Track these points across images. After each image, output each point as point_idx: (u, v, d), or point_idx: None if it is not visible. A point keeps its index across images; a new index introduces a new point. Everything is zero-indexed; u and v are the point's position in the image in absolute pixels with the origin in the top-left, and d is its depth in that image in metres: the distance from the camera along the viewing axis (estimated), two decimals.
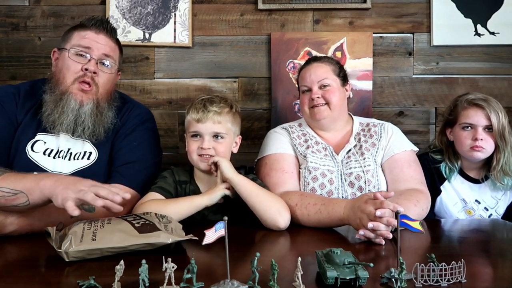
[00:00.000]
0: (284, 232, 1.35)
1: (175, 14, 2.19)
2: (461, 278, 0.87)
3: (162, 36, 2.19)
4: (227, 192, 1.41)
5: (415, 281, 0.86)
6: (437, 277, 0.86)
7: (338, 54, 2.19)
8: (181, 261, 0.85)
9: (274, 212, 1.35)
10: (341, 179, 1.58)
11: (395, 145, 1.64)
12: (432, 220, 1.69)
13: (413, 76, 2.24)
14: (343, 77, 1.71)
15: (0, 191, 1.19)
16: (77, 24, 1.58)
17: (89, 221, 1.12)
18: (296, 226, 1.39)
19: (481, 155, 1.70)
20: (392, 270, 0.85)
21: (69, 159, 1.46)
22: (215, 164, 1.43)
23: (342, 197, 1.55)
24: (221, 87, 2.24)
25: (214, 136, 1.45)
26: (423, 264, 0.86)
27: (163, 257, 0.83)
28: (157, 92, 2.24)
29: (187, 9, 2.19)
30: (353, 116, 1.78)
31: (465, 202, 1.76)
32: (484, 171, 1.77)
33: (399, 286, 0.84)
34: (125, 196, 1.12)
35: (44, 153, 1.45)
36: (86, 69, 1.44)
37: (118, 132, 1.55)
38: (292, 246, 1.30)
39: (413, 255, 1.13)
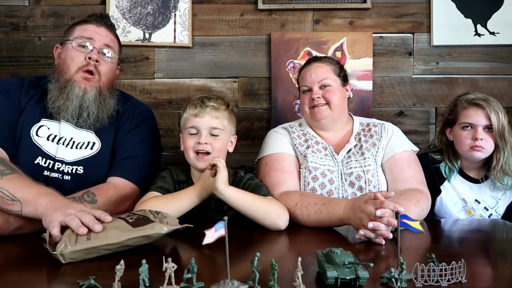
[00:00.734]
0: (284, 232, 1.35)
1: (175, 14, 2.19)
2: (461, 278, 0.87)
3: (162, 36, 2.19)
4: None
5: (415, 281, 0.86)
6: (437, 277, 0.86)
7: (338, 54, 2.19)
8: (181, 261, 0.85)
9: (274, 216, 1.35)
10: (341, 179, 1.58)
11: (396, 145, 1.64)
12: (432, 220, 1.69)
13: (413, 76, 2.24)
14: (344, 77, 1.71)
15: (0, 192, 1.21)
16: (78, 21, 1.64)
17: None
18: (296, 226, 1.39)
19: (481, 155, 1.70)
20: (392, 270, 0.85)
21: (71, 148, 1.50)
22: (213, 166, 1.38)
23: (342, 197, 1.55)
24: (221, 87, 2.24)
25: (212, 134, 1.45)
26: (423, 264, 0.86)
27: (163, 257, 0.83)
28: (157, 92, 2.24)
29: (187, 9, 2.19)
30: (353, 116, 1.78)
31: (465, 202, 1.76)
32: (484, 171, 1.77)
33: (399, 286, 0.84)
34: (105, 220, 1.12)
35: (47, 138, 1.49)
36: (90, 58, 1.51)
37: (121, 127, 1.59)
38: (292, 246, 1.30)
39: (413, 255, 1.13)
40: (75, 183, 1.48)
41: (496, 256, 1.16)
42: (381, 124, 1.73)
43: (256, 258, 0.83)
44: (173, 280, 0.83)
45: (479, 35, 2.19)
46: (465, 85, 2.22)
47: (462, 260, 0.87)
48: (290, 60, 2.19)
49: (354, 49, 2.19)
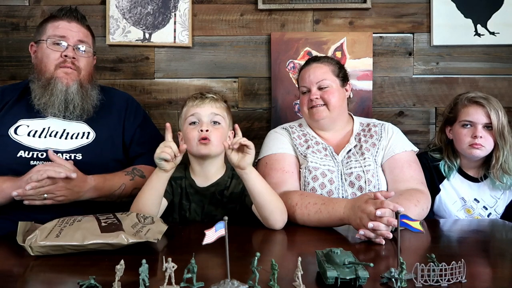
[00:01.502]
0: (284, 232, 1.35)
1: (175, 14, 2.19)
2: (461, 278, 0.87)
3: (162, 36, 2.19)
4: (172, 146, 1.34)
5: (415, 281, 0.86)
6: (437, 277, 0.86)
7: (338, 54, 2.19)
8: (181, 261, 0.85)
9: (278, 214, 1.35)
10: (341, 179, 1.58)
11: (396, 145, 1.64)
12: (432, 220, 1.69)
13: (413, 76, 2.24)
14: (343, 77, 1.71)
15: None
16: (48, 16, 1.68)
17: (65, 218, 1.16)
18: (296, 226, 1.39)
19: (480, 153, 1.70)
20: (392, 270, 0.85)
21: (66, 138, 1.58)
22: (242, 145, 1.32)
23: (342, 196, 1.55)
24: (221, 87, 2.24)
25: (213, 121, 1.46)
26: (423, 264, 0.86)
27: (163, 257, 0.83)
28: (157, 92, 2.24)
29: (187, 9, 2.19)
30: (353, 116, 1.78)
31: (464, 201, 1.77)
32: (483, 170, 1.77)
33: (399, 286, 0.84)
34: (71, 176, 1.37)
35: (28, 135, 1.56)
36: (66, 55, 1.57)
37: (125, 121, 1.71)
38: (292, 246, 1.30)
39: (413, 255, 1.13)
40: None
41: (496, 256, 1.16)
42: (381, 124, 1.73)
43: (256, 258, 0.83)
44: (173, 280, 0.83)
45: (479, 35, 2.19)
46: (465, 85, 2.22)
47: (462, 260, 0.87)
48: (290, 60, 2.19)
49: (354, 49, 2.19)
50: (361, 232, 1.19)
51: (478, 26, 2.19)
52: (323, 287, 0.86)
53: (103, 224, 1.13)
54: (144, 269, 0.82)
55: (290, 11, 2.21)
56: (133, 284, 0.85)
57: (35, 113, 1.59)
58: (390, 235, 1.18)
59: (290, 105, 2.20)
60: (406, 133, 1.76)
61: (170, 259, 0.83)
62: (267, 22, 2.22)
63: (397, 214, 0.94)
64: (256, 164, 1.72)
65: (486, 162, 1.75)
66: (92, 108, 1.62)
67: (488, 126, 1.69)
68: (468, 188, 1.78)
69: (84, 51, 1.62)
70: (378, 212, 1.17)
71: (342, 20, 2.23)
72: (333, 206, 1.34)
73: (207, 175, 1.50)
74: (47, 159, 1.50)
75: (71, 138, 1.59)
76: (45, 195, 1.37)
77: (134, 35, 2.19)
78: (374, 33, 2.21)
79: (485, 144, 1.69)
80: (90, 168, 1.54)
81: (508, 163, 1.69)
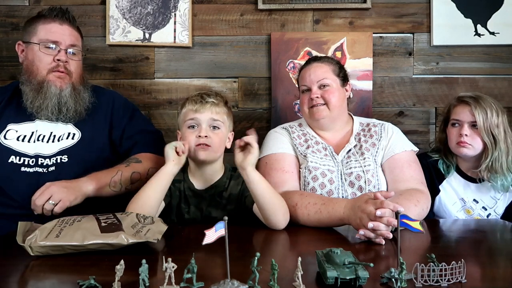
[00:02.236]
0: (284, 232, 1.35)
1: (175, 14, 2.19)
2: (461, 278, 0.87)
3: (162, 36, 2.19)
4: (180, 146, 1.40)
5: (415, 281, 0.86)
6: (437, 277, 0.86)
7: (338, 54, 2.19)
8: (181, 261, 0.85)
9: (280, 214, 1.35)
10: (341, 178, 1.58)
11: (395, 145, 1.64)
12: (432, 220, 1.69)
13: (413, 76, 2.24)
14: (343, 77, 1.71)
15: None
16: (38, 14, 1.66)
17: (64, 218, 1.17)
18: (296, 226, 1.39)
19: (468, 151, 1.70)
20: (392, 270, 0.85)
21: (53, 141, 1.59)
22: (246, 144, 1.35)
23: (342, 196, 1.55)
24: (221, 87, 2.24)
25: (211, 126, 1.45)
26: (423, 264, 0.86)
27: (163, 257, 0.83)
28: (157, 92, 2.24)
29: (187, 9, 2.19)
30: (353, 116, 1.78)
31: (464, 202, 1.77)
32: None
33: (399, 286, 0.84)
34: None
35: (17, 139, 1.57)
36: (58, 60, 1.57)
37: (112, 119, 1.70)
38: (292, 246, 1.30)
39: (413, 255, 1.13)
40: (62, 172, 1.54)
41: (496, 256, 1.16)
42: (381, 124, 1.73)
43: (256, 258, 0.83)
44: (173, 280, 0.83)
45: (479, 35, 2.19)
46: (465, 85, 2.22)
47: (462, 260, 0.87)
48: (290, 60, 2.19)
49: (354, 49, 2.19)
50: (361, 232, 1.19)
51: (478, 26, 2.19)
52: (323, 287, 0.86)
53: (103, 224, 1.13)
54: (144, 269, 0.82)
55: (290, 11, 2.21)
56: (133, 284, 0.85)
57: (23, 117, 1.59)
58: (390, 235, 1.18)
59: (290, 105, 2.20)
60: (406, 133, 1.76)
61: (170, 259, 0.83)
62: (267, 22, 2.22)
63: (397, 214, 0.94)
64: (256, 164, 1.72)
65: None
66: (85, 110, 1.63)
67: (475, 125, 1.69)
68: (467, 188, 1.78)
69: (75, 53, 1.63)
70: (378, 212, 1.17)
71: (342, 20, 2.23)
72: (333, 206, 1.34)
73: (206, 177, 1.50)
74: (36, 166, 1.53)
75: (58, 140, 1.59)
76: (51, 202, 1.36)
77: (134, 35, 2.19)
78: (374, 33, 2.21)
79: (472, 142, 1.69)
80: (77, 169, 1.54)
81: (500, 162, 1.67)
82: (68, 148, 1.59)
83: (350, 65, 2.15)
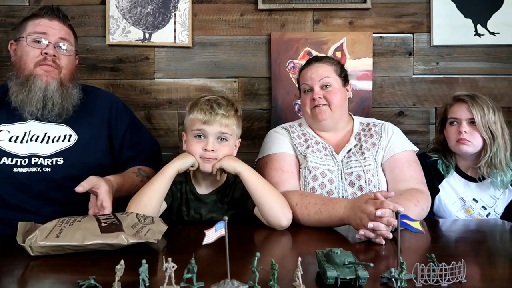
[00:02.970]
0: (284, 232, 1.35)
1: (175, 14, 2.19)
2: (461, 278, 0.87)
3: (162, 36, 2.19)
4: (197, 164, 1.41)
5: (415, 281, 0.86)
6: (437, 277, 0.86)
7: (338, 54, 2.19)
8: (181, 261, 0.85)
9: (279, 209, 1.35)
10: (341, 178, 1.58)
11: (396, 145, 1.64)
12: (432, 220, 1.69)
13: (413, 76, 2.24)
14: (344, 78, 1.71)
15: None
16: (30, 15, 1.64)
17: (65, 218, 1.16)
18: (296, 226, 1.39)
19: (468, 148, 1.71)
20: (392, 270, 0.85)
21: (47, 142, 1.56)
22: (221, 169, 1.42)
23: (343, 196, 1.55)
24: (221, 87, 2.24)
25: (218, 138, 1.42)
26: (423, 264, 0.86)
27: (163, 257, 0.83)
28: (157, 92, 2.24)
29: (187, 9, 2.19)
30: (353, 116, 1.78)
31: (464, 201, 1.77)
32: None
33: (399, 286, 0.84)
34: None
35: (10, 140, 1.54)
36: (46, 53, 1.53)
37: (111, 124, 1.68)
38: (292, 246, 1.30)
39: (413, 255, 1.13)
40: (57, 174, 1.53)
41: (496, 256, 1.16)
42: (381, 124, 1.73)
43: (256, 258, 0.83)
44: (173, 280, 0.83)
45: (479, 35, 2.19)
46: (465, 85, 2.22)
47: (462, 260, 0.87)
48: (290, 60, 2.19)
49: (354, 49, 2.19)
50: (361, 232, 1.19)
51: (478, 26, 2.19)
52: (323, 287, 0.86)
53: (103, 224, 1.13)
54: (144, 269, 0.82)
55: (290, 11, 2.21)
56: (133, 284, 0.85)
57: (15, 118, 1.56)
58: (390, 235, 1.18)
59: (290, 105, 2.20)
60: (406, 133, 1.76)
61: (170, 259, 0.82)
62: (267, 22, 2.22)
63: (397, 214, 0.94)
64: (256, 164, 1.72)
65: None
66: (72, 107, 1.58)
67: (473, 122, 1.71)
68: (467, 188, 1.78)
69: (66, 49, 1.58)
70: (378, 212, 1.17)
71: (342, 20, 2.23)
72: (333, 206, 1.34)
73: (209, 183, 1.50)
74: (29, 166, 1.51)
75: (53, 141, 1.56)
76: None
77: (134, 35, 2.19)
78: (374, 33, 2.21)
79: (472, 139, 1.71)
80: (73, 172, 1.53)
81: (499, 158, 1.70)
82: (65, 150, 1.56)
83: (350, 65, 2.15)
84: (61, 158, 1.55)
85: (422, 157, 1.79)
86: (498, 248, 1.26)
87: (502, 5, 2.18)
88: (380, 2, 2.22)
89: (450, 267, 0.86)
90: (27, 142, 1.54)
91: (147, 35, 2.20)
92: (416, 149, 1.69)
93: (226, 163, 1.40)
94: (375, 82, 2.22)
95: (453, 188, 1.78)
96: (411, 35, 2.23)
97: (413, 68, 2.24)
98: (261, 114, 2.24)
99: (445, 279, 0.86)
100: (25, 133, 1.55)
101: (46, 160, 1.53)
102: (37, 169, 1.52)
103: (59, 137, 1.57)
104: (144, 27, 2.19)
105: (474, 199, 1.77)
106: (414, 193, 1.49)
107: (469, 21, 2.19)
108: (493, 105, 1.73)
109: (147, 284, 0.83)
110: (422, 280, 0.86)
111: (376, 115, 2.20)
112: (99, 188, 1.33)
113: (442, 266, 0.86)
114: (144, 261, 0.83)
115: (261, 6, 2.19)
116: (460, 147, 1.72)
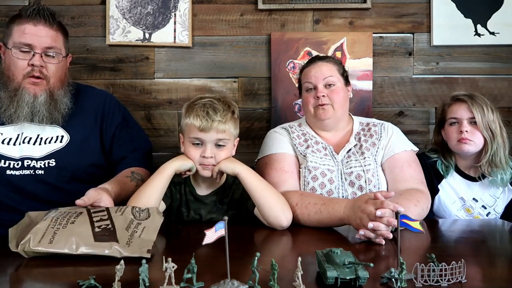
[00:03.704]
0: (284, 232, 1.35)
1: (175, 14, 2.19)
2: (461, 278, 0.87)
3: (162, 36, 2.19)
4: (194, 169, 1.41)
5: (415, 281, 0.86)
6: (437, 277, 0.86)
7: (338, 54, 2.19)
8: (181, 261, 0.85)
9: (279, 209, 1.35)
10: (341, 178, 1.58)
11: (395, 145, 1.64)
12: (432, 220, 1.69)
13: (413, 76, 2.24)
14: (346, 78, 1.72)
15: None
16: (16, 14, 1.57)
17: (58, 217, 1.12)
18: (296, 226, 1.39)
19: (469, 148, 1.72)
20: (392, 270, 0.85)
21: (40, 144, 1.54)
22: (220, 172, 1.42)
23: (342, 196, 1.55)
24: (221, 87, 2.24)
25: (216, 144, 1.41)
26: (423, 264, 0.86)
27: (163, 257, 0.83)
28: (157, 92, 2.23)
29: (187, 9, 2.19)
30: (353, 116, 1.78)
31: (464, 201, 1.77)
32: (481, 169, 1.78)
33: (399, 286, 0.84)
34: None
35: (2, 142, 1.52)
36: (33, 65, 1.48)
37: (103, 122, 1.65)
38: (292, 246, 1.30)
39: (413, 255, 1.13)
40: (49, 176, 1.52)
41: (496, 256, 1.16)
42: (381, 124, 1.73)
43: (256, 258, 0.83)
44: (173, 280, 0.83)
45: (479, 35, 2.19)
46: (465, 85, 2.22)
47: (462, 260, 0.87)
48: (290, 60, 2.19)
49: (354, 49, 2.19)
50: (361, 232, 1.19)
51: (478, 26, 2.19)
52: (323, 287, 0.86)
53: (97, 229, 1.09)
54: (144, 269, 0.83)
55: (290, 11, 2.21)
56: (133, 284, 0.85)
57: (7, 120, 1.53)
58: (390, 235, 1.18)
59: (290, 105, 2.20)
60: (406, 133, 1.76)
61: (170, 259, 0.83)
62: (267, 22, 2.22)
63: (397, 214, 0.94)
64: (256, 164, 1.72)
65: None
66: (61, 116, 1.55)
67: (474, 121, 1.72)
68: (466, 187, 1.78)
69: (54, 56, 1.52)
70: (378, 212, 1.17)
71: (342, 20, 2.23)
72: (333, 206, 1.34)
73: (208, 184, 1.50)
74: (22, 169, 1.50)
75: (45, 143, 1.54)
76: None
77: (134, 35, 2.19)
78: (374, 33, 2.21)
79: (473, 138, 1.71)
80: (65, 173, 1.52)
81: (499, 156, 1.71)
82: (56, 151, 1.54)
83: (350, 65, 2.15)
84: (53, 160, 1.53)
85: (421, 157, 1.79)
86: (498, 248, 1.26)
87: (502, 5, 2.18)
88: (380, 2, 2.22)
89: (450, 267, 0.86)
90: (20, 144, 1.52)
91: (147, 35, 2.20)
92: (416, 149, 1.69)
93: (224, 165, 1.40)
94: (375, 82, 2.22)
95: (453, 188, 1.78)
96: (411, 35, 2.23)
97: (413, 68, 2.24)
98: (261, 114, 2.24)
99: (445, 279, 0.86)
100: (18, 135, 1.54)
101: (38, 162, 1.51)
102: (30, 171, 1.51)
103: (51, 138, 1.55)
104: (144, 27, 2.19)
105: (474, 199, 1.77)
106: (414, 193, 1.49)
107: (469, 21, 2.19)
108: (490, 104, 1.74)
109: (147, 284, 0.83)
110: (422, 280, 0.86)
111: (376, 115, 2.20)
112: (101, 202, 1.29)
113: (442, 266, 0.86)
114: (144, 261, 0.83)
115: (261, 6, 2.19)
116: (462, 146, 1.72)
